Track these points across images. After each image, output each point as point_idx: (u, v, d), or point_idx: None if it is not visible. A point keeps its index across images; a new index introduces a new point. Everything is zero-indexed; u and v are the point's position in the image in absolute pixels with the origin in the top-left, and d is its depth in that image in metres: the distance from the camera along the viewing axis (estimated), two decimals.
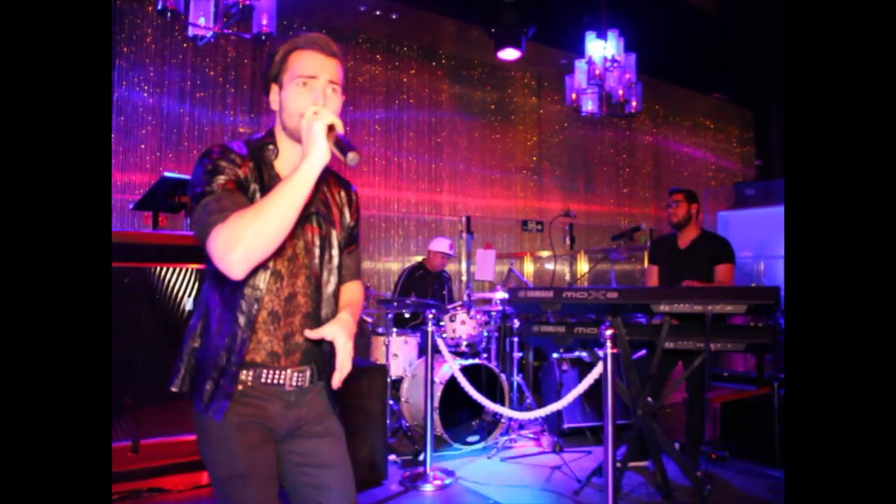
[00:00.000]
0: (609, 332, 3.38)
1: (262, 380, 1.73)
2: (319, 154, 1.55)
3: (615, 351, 3.39)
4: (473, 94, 8.04)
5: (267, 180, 1.72)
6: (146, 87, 6.06)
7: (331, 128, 1.57)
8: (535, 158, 8.47)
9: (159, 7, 3.95)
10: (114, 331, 3.81)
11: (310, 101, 1.67)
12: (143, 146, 6.02)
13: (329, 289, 1.84)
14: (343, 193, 1.94)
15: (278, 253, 1.72)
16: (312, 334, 1.75)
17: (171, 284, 4.09)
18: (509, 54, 6.07)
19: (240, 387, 1.72)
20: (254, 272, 1.68)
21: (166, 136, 6.12)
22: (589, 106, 5.79)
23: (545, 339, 4.37)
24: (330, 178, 1.92)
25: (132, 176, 5.90)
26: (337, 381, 1.76)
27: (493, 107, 8.18)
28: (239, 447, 1.71)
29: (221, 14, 4.33)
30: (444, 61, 7.83)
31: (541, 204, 8.31)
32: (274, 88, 1.77)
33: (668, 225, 4.82)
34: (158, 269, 4.06)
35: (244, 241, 1.49)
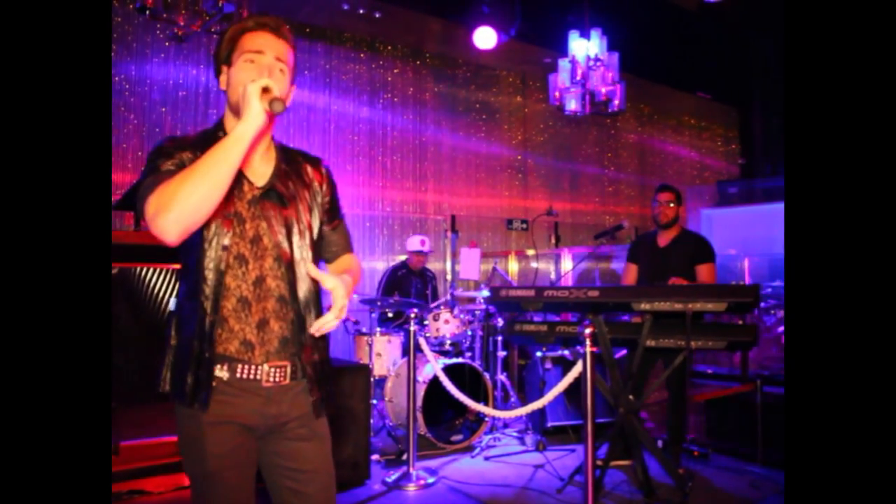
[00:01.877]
0: (588, 331, 3.39)
1: (238, 375, 1.70)
2: (253, 115, 1.54)
3: (594, 349, 3.40)
4: (458, 93, 8.04)
5: None
6: (128, 86, 6.02)
7: (266, 90, 1.56)
8: (520, 157, 8.48)
9: (138, 5, 3.92)
10: None
11: (255, 74, 1.67)
12: (124, 145, 5.98)
13: (303, 268, 1.78)
14: (310, 169, 1.91)
15: (239, 235, 1.71)
16: (313, 272, 1.72)
17: (153, 285, 4.07)
18: (485, 38, 6.00)
19: (214, 383, 1.69)
20: (213, 255, 1.68)
21: (149, 135, 6.08)
22: (572, 105, 5.79)
23: (528, 338, 4.37)
24: (297, 156, 1.91)
25: (114, 175, 5.86)
26: (315, 327, 1.70)
27: (477, 106, 8.19)
28: (211, 447, 1.69)
29: (201, 12, 4.30)
30: (428, 60, 7.83)
31: (526, 202, 8.33)
32: (224, 69, 1.78)
33: (655, 223, 4.81)
34: (140, 269, 4.04)
35: (174, 202, 1.47)
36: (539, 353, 5.50)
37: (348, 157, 7.20)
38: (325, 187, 1.91)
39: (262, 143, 1.81)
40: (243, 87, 1.57)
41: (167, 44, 6.08)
